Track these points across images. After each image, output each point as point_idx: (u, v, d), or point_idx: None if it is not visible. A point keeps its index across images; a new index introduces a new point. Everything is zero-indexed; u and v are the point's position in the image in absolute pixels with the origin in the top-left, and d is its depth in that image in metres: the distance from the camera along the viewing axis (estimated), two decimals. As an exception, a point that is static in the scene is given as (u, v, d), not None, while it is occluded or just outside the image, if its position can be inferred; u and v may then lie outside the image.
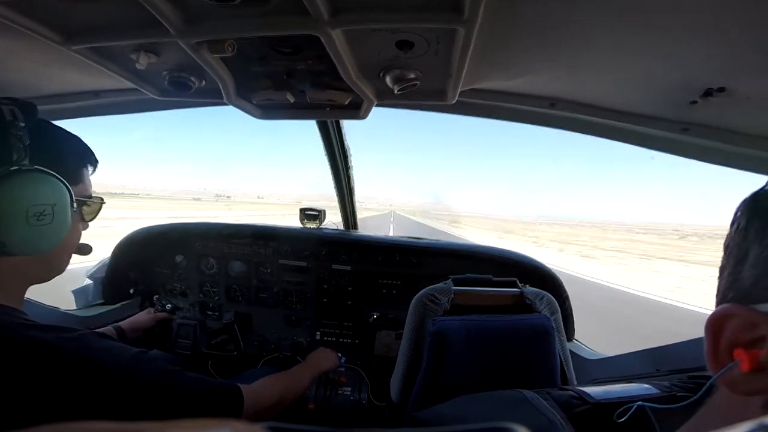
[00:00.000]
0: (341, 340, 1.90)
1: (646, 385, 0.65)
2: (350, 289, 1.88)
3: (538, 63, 0.91)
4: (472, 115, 1.14)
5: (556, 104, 1.07)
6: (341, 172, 1.89)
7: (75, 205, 0.72)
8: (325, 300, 1.90)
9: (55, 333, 0.64)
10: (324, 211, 1.96)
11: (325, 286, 1.89)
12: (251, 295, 1.94)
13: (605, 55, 0.81)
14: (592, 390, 0.62)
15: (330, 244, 1.89)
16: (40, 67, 0.96)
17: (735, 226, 0.38)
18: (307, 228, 1.94)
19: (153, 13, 0.63)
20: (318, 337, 1.91)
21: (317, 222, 1.94)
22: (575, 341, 1.69)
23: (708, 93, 0.81)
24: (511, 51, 0.85)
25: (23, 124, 0.64)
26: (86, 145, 0.79)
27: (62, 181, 0.69)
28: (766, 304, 0.32)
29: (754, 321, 0.33)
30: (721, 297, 0.38)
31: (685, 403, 0.49)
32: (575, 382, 1.17)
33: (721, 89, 0.79)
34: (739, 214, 0.38)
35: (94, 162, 0.81)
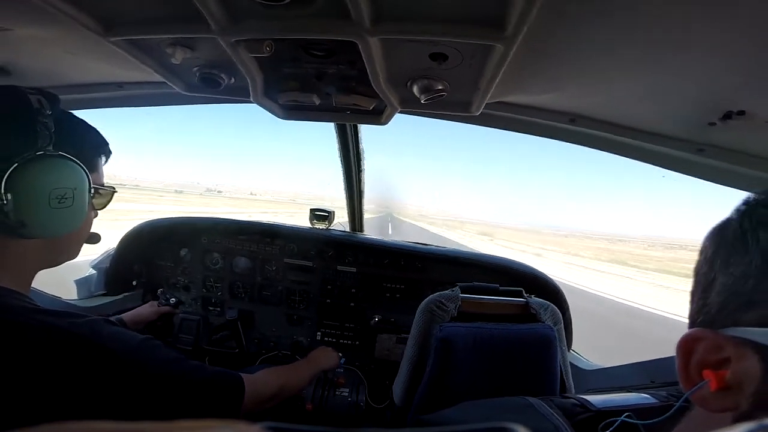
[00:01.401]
0: (342, 341, 1.90)
1: (645, 395, 0.67)
2: (354, 290, 1.89)
3: (561, 80, 0.93)
4: (493, 127, 1.16)
5: (575, 120, 1.09)
6: (353, 174, 1.89)
7: (92, 191, 0.75)
8: (328, 300, 1.90)
9: (65, 318, 0.65)
10: (333, 212, 1.97)
11: (329, 287, 1.90)
12: (254, 293, 1.93)
13: (626, 74, 0.82)
14: (594, 398, 0.64)
15: (336, 245, 1.89)
16: (67, 56, 0.96)
17: (703, 254, 0.41)
18: (314, 228, 1.95)
19: (199, 8, 0.64)
20: (319, 337, 1.91)
21: (326, 223, 1.94)
22: (572, 352, 1.72)
23: (727, 115, 0.83)
24: (539, 68, 0.87)
25: (49, 113, 0.67)
26: (102, 136, 0.81)
27: (82, 167, 0.71)
28: (730, 329, 0.35)
29: (720, 344, 0.36)
30: (692, 321, 0.41)
31: (663, 417, 0.52)
32: (573, 392, 1.19)
33: (741, 112, 0.80)
34: (707, 243, 0.41)
35: (108, 153, 0.83)
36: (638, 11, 0.59)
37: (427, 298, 1.17)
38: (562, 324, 1.21)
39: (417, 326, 1.16)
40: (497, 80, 0.83)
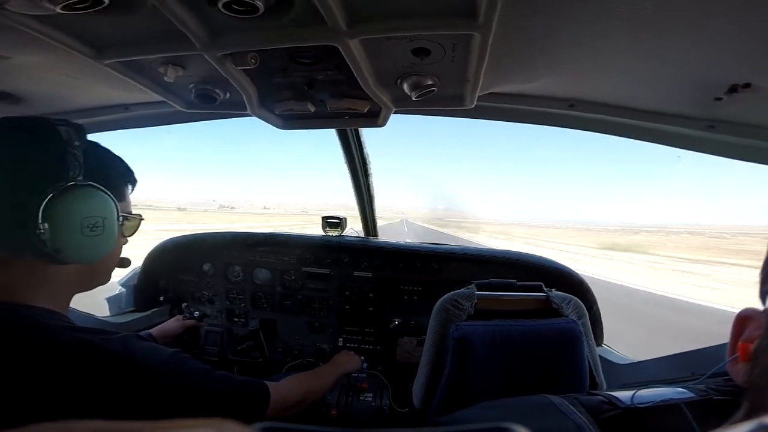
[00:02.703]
0: (363, 346, 1.91)
1: (680, 389, 0.62)
2: (371, 295, 1.89)
3: (555, 64, 0.91)
4: (490, 119, 1.15)
5: (575, 105, 1.06)
6: (361, 179, 1.91)
7: (121, 219, 0.78)
8: (347, 306, 1.92)
9: (99, 335, 0.69)
10: (345, 218, 1.99)
11: (347, 293, 1.91)
12: (276, 302, 1.97)
13: (623, 54, 0.80)
14: (623, 394, 0.61)
15: (351, 251, 1.91)
16: (71, 81, 1.01)
17: None
18: (329, 235, 1.97)
19: (179, 26, 0.66)
20: (340, 344, 1.92)
21: (339, 230, 1.97)
22: (604, 346, 1.65)
23: (733, 89, 0.79)
24: (528, 54, 0.86)
25: (77, 143, 0.70)
26: (128, 165, 0.85)
27: (111, 197, 0.74)
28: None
29: (762, 321, 0.36)
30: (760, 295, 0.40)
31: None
32: (605, 388, 1.13)
33: (747, 85, 0.77)
34: None
35: (134, 181, 0.87)
36: None
37: (442, 298, 1.15)
38: (588, 317, 1.16)
39: (433, 327, 1.14)
40: (483, 70, 0.82)
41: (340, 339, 1.93)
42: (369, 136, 1.68)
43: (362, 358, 1.52)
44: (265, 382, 0.89)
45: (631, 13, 0.64)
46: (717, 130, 0.94)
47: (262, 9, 0.60)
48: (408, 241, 2.07)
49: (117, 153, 0.83)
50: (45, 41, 0.70)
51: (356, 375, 1.69)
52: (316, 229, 2.07)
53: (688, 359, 1.30)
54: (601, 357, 1.45)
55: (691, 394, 0.60)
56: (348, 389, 1.73)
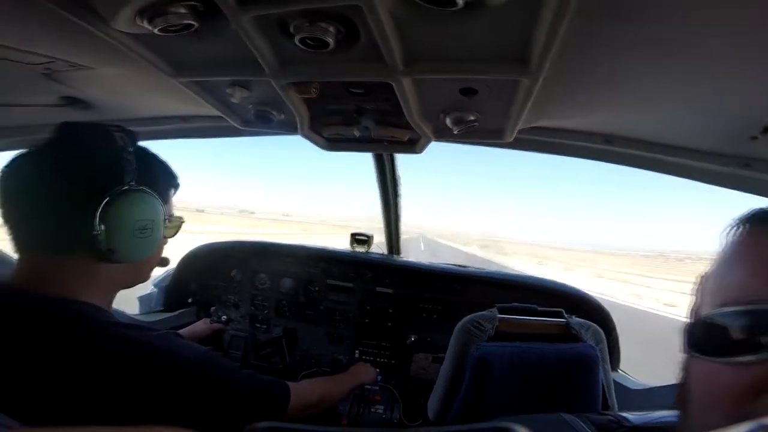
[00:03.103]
0: (378, 359, 1.94)
1: None
2: (391, 311, 1.93)
3: (593, 102, 0.94)
4: (528, 151, 1.19)
5: (611, 141, 1.09)
6: (390, 199, 1.97)
7: (167, 222, 0.83)
8: (366, 320, 1.96)
9: (144, 331, 0.74)
10: (372, 236, 2.04)
11: (368, 307, 1.95)
12: (298, 312, 2.02)
13: (659, 91, 0.82)
14: (631, 414, 0.64)
15: (375, 267, 1.96)
16: (141, 92, 1.09)
17: None
18: (355, 251, 2.03)
19: (255, 54, 0.72)
20: (357, 355, 1.96)
21: (366, 246, 2.02)
22: (620, 371, 1.66)
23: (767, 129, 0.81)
24: (567, 93, 0.89)
25: (131, 149, 0.76)
26: (173, 170, 0.90)
27: (159, 201, 0.79)
28: None
29: None
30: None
31: None
32: (616, 410, 1.14)
33: None
34: None
35: (178, 186, 0.92)
36: (667, 26, 0.59)
37: (464, 319, 1.18)
38: (606, 343, 1.18)
39: (454, 345, 1.17)
40: (527, 109, 0.87)
41: (357, 351, 1.96)
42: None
43: (378, 370, 1.55)
44: (286, 382, 0.94)
45: (666, 50, 0.66)
46: (753, 169, 0.95)
47: (332, 45, 0.66)
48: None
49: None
50: (129, 56, 0.76)
51: (370, 387, 1.72)
52: (313, 240, 2.12)
53: None
54: (616, 382, 1.45)
55: None
56: (360, 400, 1.76)
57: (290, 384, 0.94)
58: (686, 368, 0.46)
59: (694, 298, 0.48)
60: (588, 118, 1.05)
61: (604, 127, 1.08)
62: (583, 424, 0.61)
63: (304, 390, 1.01)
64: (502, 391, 1.05)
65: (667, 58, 0.69)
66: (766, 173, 0.95)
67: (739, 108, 0.81)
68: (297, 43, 0.66)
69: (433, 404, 1.21)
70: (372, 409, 1.76)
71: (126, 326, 0.73)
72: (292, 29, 0.64)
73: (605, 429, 0.61)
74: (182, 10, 0.60)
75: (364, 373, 1.47)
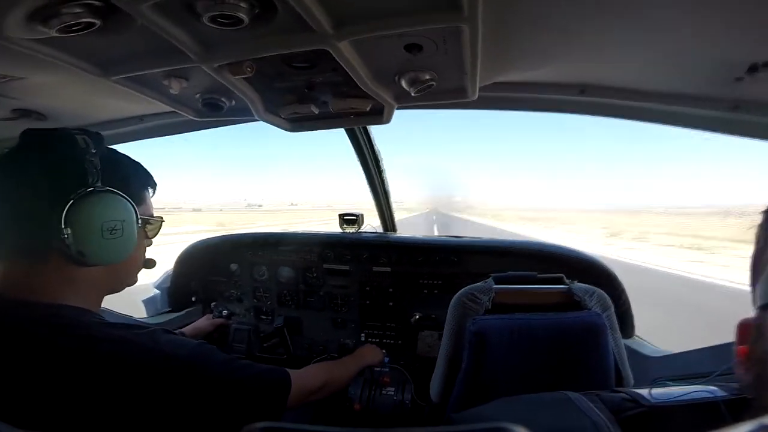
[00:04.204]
0: (384, 341, 1.93)
1: (712, 387, 0.59)
2: (391, 290, 1.91)
3: (561, 49, 0.88)
4: (496, 109, 1.13)
5: (585, 90, 1.02)
6: (374, 176, 1.92)
7: (140, 222, 0.81)
8: (367, 302, 1.94)
9: (131, 330, 0.74)
10: (362, 215, 2.00)
11: (368, 289, 1.93)
12: (300, 300, 2.02)
13: (635, 34, 0.76)
14: (648, 392, 0.59)
15: (370, 247, 1.93)
16: (88, 97, 1.07)
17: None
18: (347, 232, 2.00)
19: (173, 42, 0.69)
20: (363, 339, 1.96)
21: (356, 226, 1.99)
22: (636, 338, 1.59)
23: (753, 68, 0.75)
24: (528, 40, 0.83)
25: (94, 151, 0.74)
26: (147, 170, 0.89)
27: (129, 201, 0.78)
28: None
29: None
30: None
31: None
32: (632, 383, 1.09)
33: (767, 64, 0.72)
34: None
35: (154, 185, 0.91)
36: None
37: (459, 292, 1.13)
38: (613, 309, 1.11)
39: (450, 321, 1.13)
40: (479, 61, 0.81)
41: (363, 334, 1.96)
42: (378, 131, 1.67)
43: (384, 351, 1.54)
44: (286, 369, 0.93)
45: None
46: (742, 111, 0.89)
47: (246, 21, 0.61)
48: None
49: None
50: (50, 62, 0.74)
51: (378, 369, 1.71)
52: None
53: (728, 350, 1.22)
54: (631, 349, 1.39)
55: (723, 393, 0.57)
56: (371, 383, 1.75)
57: (291, 371, 0.93)
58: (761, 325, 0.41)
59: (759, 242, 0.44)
60: (557, 68, 0.97)
61: (577, 77, 1.01)
62: (590, 404, 0.57)
63: (305, 376, 1.01)
64: (503, 368, 1.01)
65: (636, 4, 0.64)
66: (756, 115, 0.89)
67: (720, 51, 0.76)
68: (208, 23, 0.62)
69: (435, 385, 1.18)
70: (383, 392, 1.74)
71: (113, 326, 0.73)
72: (198, 9, 0.60)
73: (618, 408, 0.56)
74: (77, 9, 0.57)
75: (370, 354, 1.47)
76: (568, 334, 1.01)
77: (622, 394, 0.60)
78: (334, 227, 2.11)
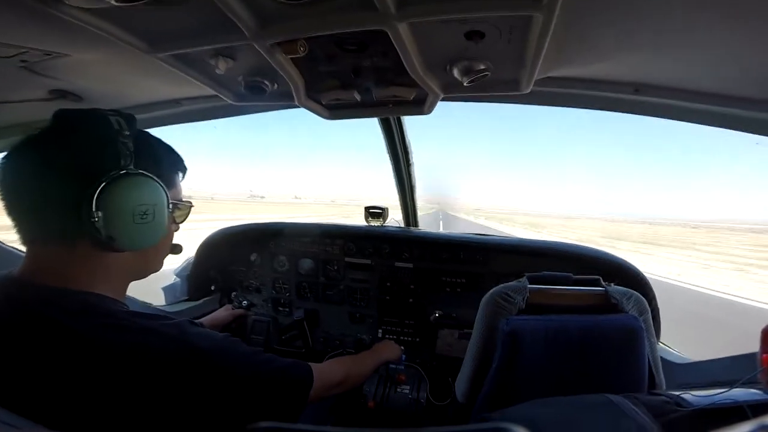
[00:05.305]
0: (402, 337, 1.90)
1: (753, 390, 0.59)
2: (412, 287, 1.88)
3: (619, 47, 0.84)
4: (547, 105, 1.09)
5: (640, 90, 0.98)
6: (403, 169, 1.89)
7: (171, 206, 0.79)
8: (387, 297, 1.91)
9: (156, 320, 0.72)
10: (387, 209, 1.97)
11: (388, 284, 1.90)
12: (319, 292, 2.00)
13: (695, 34, 0.73)
14: (689, 395, 0.57)
15: (392, 241, 1.89)
16: (127, 78, 1.05)
17: None
18: (371, 226, 1.97)
19: (230, 16, 0.66)
20: (380, 335, 1.93)
21: (381, 219, 1.96)
22: (660, 344, 1.55)
23: None
24: (590, 36, 0.80)
25: (128, 133, 0.72)
26: (178, 154, 0.86)
27: (161, 185, 0.75)
28: None
29: None
30: None
31: None
32: (664, 388, 1.06)
33: None
34: None
35: (184, 169, 0.88)
36: None
37: (492, 290, 1.10)
38: (650, 314, 1.08)
39: (481, 320, 1.10)
40: (543, 53, 0.77)
41: (380, 330, 1.93)
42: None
43: (402, 348, 1.51)
44: (309, 363, 0.91)
45: None
46: None
47: None
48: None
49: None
50: (100, 37, 0.72)
51: (394, 366, 1.69)
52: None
53: (750, 360, 1.19)
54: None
55: (765, 396, 0.57)
56: (386, 380, 1.73)
57: (313, 365, 0.91)
58: None
59: None
60: (613, 64, 0.93)
61: (632, 75, 0.97)
62: (633, 406, 0.55)
63: (326, 370, 0.99)
64: (537, 369, 0.98)
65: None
66: None
67: None
68: None
69: (461, 385, 1.15)
70: (398, 389, 1.72)
71: (140, 316, 0.71)
72: None
73: (660, 411, 0.55)
74: None
75: (388, 350, 1.44)
76: (605, 337, 0.98)
77: (662, 396, 0.59)
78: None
